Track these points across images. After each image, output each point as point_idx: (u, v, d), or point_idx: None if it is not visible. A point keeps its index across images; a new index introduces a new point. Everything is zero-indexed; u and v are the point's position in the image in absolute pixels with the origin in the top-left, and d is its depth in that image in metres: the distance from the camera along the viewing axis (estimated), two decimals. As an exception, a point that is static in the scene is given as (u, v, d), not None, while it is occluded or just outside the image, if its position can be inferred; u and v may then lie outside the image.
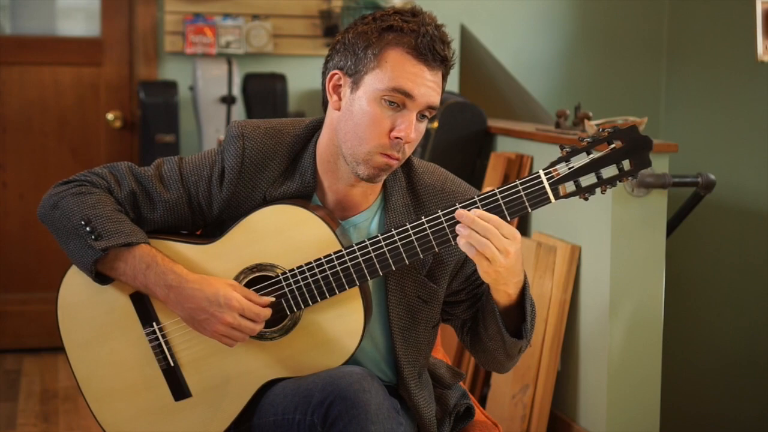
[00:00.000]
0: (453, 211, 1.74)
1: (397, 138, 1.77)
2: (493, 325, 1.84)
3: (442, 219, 1.75)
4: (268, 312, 1.80)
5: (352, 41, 1.80)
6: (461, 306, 1.95)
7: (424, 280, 1.88)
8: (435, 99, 1.79)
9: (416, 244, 1.76)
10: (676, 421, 4.11)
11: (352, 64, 1.80)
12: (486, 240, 1.69)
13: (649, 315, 3.21)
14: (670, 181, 3.10)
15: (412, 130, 1.77)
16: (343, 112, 1.81)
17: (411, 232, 1.76)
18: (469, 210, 1.72)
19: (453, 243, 1.75)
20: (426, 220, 1.75)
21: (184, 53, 4.37)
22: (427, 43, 1.75)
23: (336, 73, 1.82)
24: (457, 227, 1.72)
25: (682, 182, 3.20)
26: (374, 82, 1.77)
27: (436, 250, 1.76)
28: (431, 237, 1.75)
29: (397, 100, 1.76)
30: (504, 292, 1.79)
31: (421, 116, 1.80)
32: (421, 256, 1.77)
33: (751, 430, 4.36)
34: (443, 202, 1.89)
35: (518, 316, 1.84)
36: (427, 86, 1.77)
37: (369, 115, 1.78)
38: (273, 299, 1.81)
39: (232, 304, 1.77)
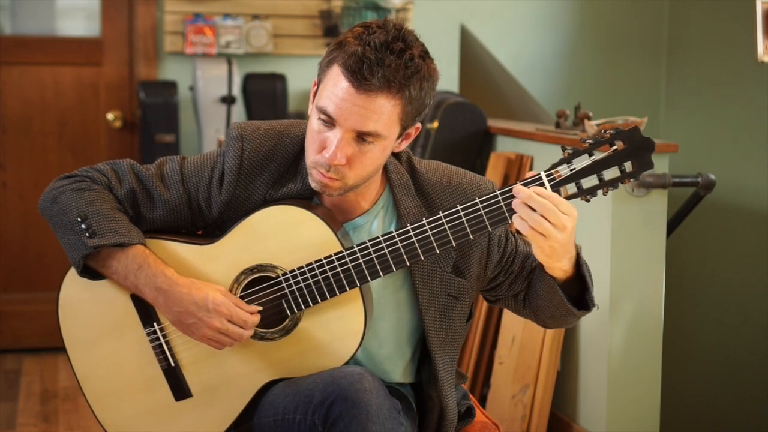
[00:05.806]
0: (455, 212, 1.74)
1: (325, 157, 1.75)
2: (556, 298, 1.83)
3: (443, 220, 1.75)
4: (256, 319, 1.80)
5: None
6: (503, 286, 1.95)
7: (451, 277, 1.88)
8: (363, 124, 1.72)
9: (417, 245, 1.76)
10: (676, 421, 4.11)
11: (319, 75, 1.80)
12: (541, 217, 1.67)
13: (649, 315, 3.21)
14: (670, 181, 3.10)
15: (337, 152, 1.73)
16: None
17: (412, 233, 1.76)
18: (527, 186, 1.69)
19: (453, 245, 1.75)
20: (427, 221, 1.75)
21: (184, 53, 4.37)
22: (354, 63, 1.69)
23: (315, 82, 1.82)
24: (513, 203, 1.70)
25: (682, 182, 3.20)
26: (316, 97, 1.78)
27: (437, 251, 1.76)
28: (432, 238, 1.75)
29: (325, 119, 1.75)
30: (559, 269, 1.79)
31: (360, 139, 1.75)
32: (422, 257, 1.77)
33: (751, 430, 4.36)
34: (453, 196, 1.88)
35: (577, 285, 1.84)
36: (352, 110, 1.71)
37: (310, 129, 1.79)
38: (262, 308, 1.81)
39: (220, 309, 1.77)
